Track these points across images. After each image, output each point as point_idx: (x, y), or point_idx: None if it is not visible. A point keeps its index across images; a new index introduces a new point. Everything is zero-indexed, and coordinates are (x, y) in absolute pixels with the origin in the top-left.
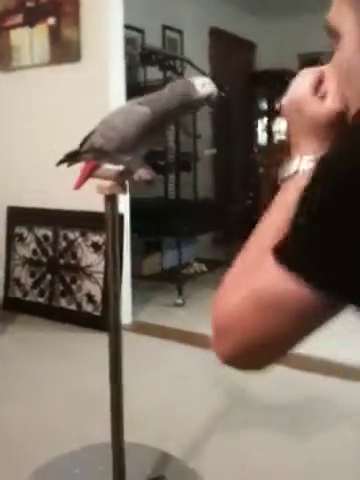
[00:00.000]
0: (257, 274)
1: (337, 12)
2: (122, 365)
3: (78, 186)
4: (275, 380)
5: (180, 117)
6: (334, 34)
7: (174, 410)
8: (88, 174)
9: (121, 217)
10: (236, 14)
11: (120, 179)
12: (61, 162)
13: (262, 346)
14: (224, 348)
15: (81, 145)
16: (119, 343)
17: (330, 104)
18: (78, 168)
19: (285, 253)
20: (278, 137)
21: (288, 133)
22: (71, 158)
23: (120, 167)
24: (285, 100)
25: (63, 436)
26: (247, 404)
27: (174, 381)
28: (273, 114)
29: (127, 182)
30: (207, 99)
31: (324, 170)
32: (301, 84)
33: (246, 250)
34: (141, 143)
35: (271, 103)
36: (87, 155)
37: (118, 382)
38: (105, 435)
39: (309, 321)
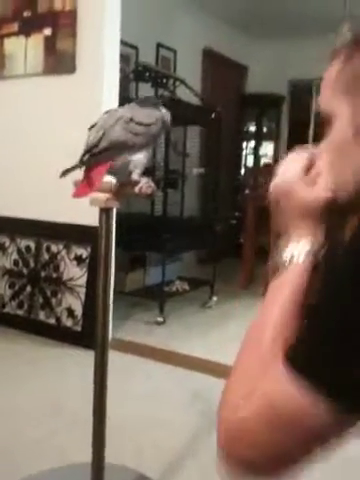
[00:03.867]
0: (266, 383)
1: (330, 97)
2: (107, 385)
3: (80, 194)
4: None
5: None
6: (326, 118)
7: (153, 429)
8: (102, 177)
9: None
10: (229, 36)
11: (118, 192)
12: (73, 168)
13: (273, 459)
14: (232, 460)
15: (89, 149)
16: (105, 362)
17: (321, 190)
18: (65, 179)
19: (296, 361)
20: (264, 160)
21: (276, 217)
22: (83, 162)
23: (115, 179)
24: (275, 184)
25: (40, 453)
26: None
27: (153, 400)
28: (261, 137)
29: (123, 195)
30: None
31: (330, 269)
32: (291, 167)
33: (246, 348)
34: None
35: (259, 126)
36: (107, 153)
37: (102, 403)
38: (83, 452)
39: (325, 434)
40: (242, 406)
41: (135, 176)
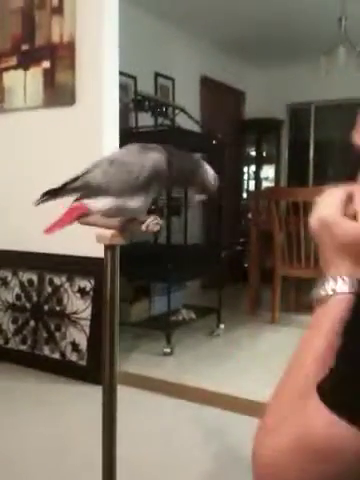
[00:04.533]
0: (301, 418)
1: None
2: (117, 425)
3: (51, 230)
4: None
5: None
6: None
7: (163, 469)
8: (73, 219)
9: None
10: (226, 63)
11: (124, 229)
12: (44, 195)
13: None
14: None
15: (69, 182)
16: (114, 402)
17: None
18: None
19: (333, 395)
20: (266, 184)
21: (319, 253)
22: (54, 194)
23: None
24: (313, 218)
25: None
26: (241, 465)
27: (165, 439)
28: (261, 161)
29: (129, 231)
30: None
31: None
32: (329, 203)
33: (283, 384)
34: (148, 190)
35: (259, 150)
36: (76, 192)
37: (112, 445)
38: None
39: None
40: (277, 439)
41: (141, 217)
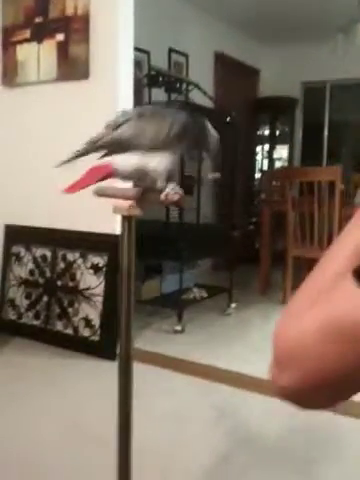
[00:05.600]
0: (333, 298)
1: None
2: (132, 404)
3: (72, 189)
4: (284, 418)
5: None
6: None
7: (179, 450)
8: (97, 180)
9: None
10: (241, 40)
11: (141, 199)
12: (69, 160)
13: (333, 381)
14: (287, 381)
15: (99, 138)
16: (130, 380)
17: None
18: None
19: None
20: (279, 163)
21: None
22: (84, 151)
23: (141, 186)
24: None
25: (58, 475)
26: (252, 443)
27: (177, 417)
28: (275, 140)
29: (146, 202)
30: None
31: None
32: None
33: (318, 270)
34: (175, 149)
35: (273, 129)
36: (104, 148)
37: (128, 426)
38: (105, 473)
39: None
40: (303, 319)
41: (160, 183)
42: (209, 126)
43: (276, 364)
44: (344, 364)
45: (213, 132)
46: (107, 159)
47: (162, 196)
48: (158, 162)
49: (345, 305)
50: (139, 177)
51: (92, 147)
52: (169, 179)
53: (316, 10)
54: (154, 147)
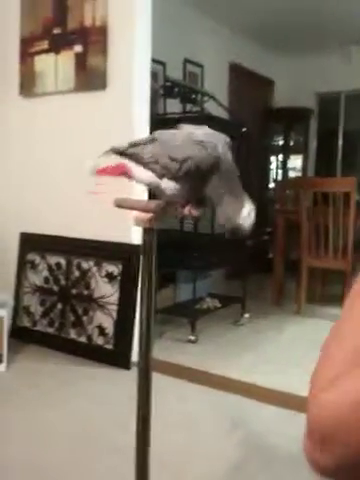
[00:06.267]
0: None
1: None
2: (151, 414)
3: (101, 172)
4: (295, 428)
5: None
6: None
7: (193, 460)
8: (118, 174)
9: (138, 249)
10: (255, 50)
11: (162, 212)
12: (109, 151)
13: None
14: (326, 458)
15: (130, 146)
16: (149, 393)
17: None
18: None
19: None
20: (293, 174)
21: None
22: (118, 151)
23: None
24: None
25: None
26: (263, 452)
27: (191, 427)
28: (289, 150)
29: (168, 215)
30: (235, 229)
31: None
32: None
33: (343, 326)
34: (188, 182)
35: (287, 139)
36: (128, 158)
37: (146, 432)
38: None
39: None
40: (341, 390)
41: (176, 201)
42: (245, 207)
43: (313, 439)
44: None
45: (248, 215)
46: (126, 161)
47: (185, 211)
48: (171, 188)
49: None
50: (155, 191)
51: (124, 153)
52: (188, 201)
53: (329, 21)
54: (163, 176)
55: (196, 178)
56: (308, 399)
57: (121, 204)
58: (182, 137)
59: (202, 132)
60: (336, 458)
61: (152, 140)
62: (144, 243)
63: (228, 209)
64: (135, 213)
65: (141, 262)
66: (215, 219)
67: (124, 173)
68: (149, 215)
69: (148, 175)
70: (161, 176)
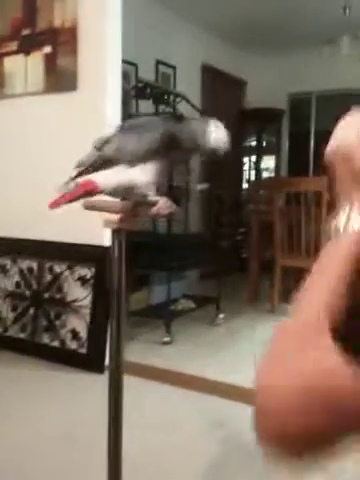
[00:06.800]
0: (311, 357)
1: None
2: (122, 414)
3: (56, 204)
4: None
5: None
6: None
7: (170, 461)
8: (80, 195)
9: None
10: (228, 52)
11: (132, 212)
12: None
13: (311, 439)
14: (266, 431)
15: (88, 159)
16: (120, 394)
17: None
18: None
19: (346, 338)
20: (266, 174)
21: (333, 185)
22: (79, 174)
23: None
24: (330, 147)
25: None
26: (241, 451)
27: (168, 428)
28: (261, 151)
29: (138, 216)
30: (214, 151)
31: None
32: (349, 131)
33: (294, 317)
34: (159, 161)
35: (260, 140)
36: (93, 167)
37: (118, 434)
38: None
39: None
40: (283, 374)
41: (151, 196)
42: (210, 128)
43: (260, 412)
44: (324, 424)
45: (215, 134)
46: (89, 176)
47: (154, 210)
48: (142, 175)
49: (322, 367)
50: (126, 192)
51: (82, 169)
52: (157, 190)
53: (302, 22)
54: (135, 160)
55: (166, 154)
56: (260, 370)
57: (90, 206)
58: (138, 119)
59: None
60: (279, 433)
61: (111, 136)
62: (113, 245)
63: (197, 132)
64: (104, 214)
65: (110, 265)
66: (188, 219)
67: (91, 190)
68: (118, 216)
69: (116, 175)
70: (132, 161)
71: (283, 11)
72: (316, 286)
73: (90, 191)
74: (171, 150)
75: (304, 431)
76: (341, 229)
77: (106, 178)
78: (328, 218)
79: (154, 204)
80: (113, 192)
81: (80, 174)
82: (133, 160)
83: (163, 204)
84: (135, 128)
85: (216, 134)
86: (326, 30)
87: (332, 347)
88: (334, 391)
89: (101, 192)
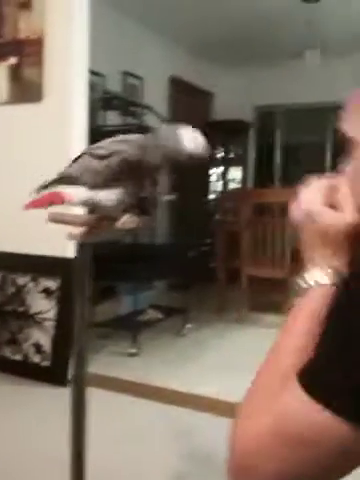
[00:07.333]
0: (280, 402)
1: (355, 122)
2: (85, 427)
3: (30, 206)
4: None
5: (162, 169)
6: (350, 143)
7: (130, 470)
8: (48, 203)
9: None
10: (195, 64)
11: (96, 226)
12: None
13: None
14: (234, 472)
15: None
16: (83, 406)
17: (345, 216)
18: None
19: (312, 381)
20: (233, 185)
21: (301, 244)
22: (44, 186)
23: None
24: (296, 209)
25: None
26: (209, 464)
27: (133, 440)
28: (228, 162)
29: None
30: (191, 156)
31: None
32: (313, 195)
33: (263, 372)
34: (123, 183)
35: (227, 152)
36: (59, 183)
37: (80, 447)
38: None
39: (344, 455)
40: (255, 424)
41: (113, 214)
42: (181, 131)
43: (233, 470)
44: (296, 467)
45: (188, 137)
46: (59, 189)
47: (118, 224)
48: (108, 197)
49: (290, 411)
50: (92, 207)
51: (51, 184)
52: (126, 209)
53: (269, 36)
54: (97, 183)
55: (127, 172)
56: (232, 428)
57: (55, 219)
58: (105, 141)
59: (122, 136)
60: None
61: (78, 156)
62: (77, 258)
63: (169, 139)
64: (69, 228)
65: (75, 279)
66: (156, 230)
67: (59, 200)
68: (82, 229)
69: (83, 193)
70: (93, 186)
71: (249, 26)
72: (290, 337)
73: (58, 202)
74: (136, 171)
75: (283, 475)
76: (308, 286)
77: (73, 194)
78: (298, 276)
79: (118, 218)
80: (82, 205)
81: (48, 185)
82: (95, 186)
83: (127, 219)
84: (99, 152)
85: (189, 137)
86: (291, 44)
87: (296, 393)
88: (301, 431)
89: (68, 204)
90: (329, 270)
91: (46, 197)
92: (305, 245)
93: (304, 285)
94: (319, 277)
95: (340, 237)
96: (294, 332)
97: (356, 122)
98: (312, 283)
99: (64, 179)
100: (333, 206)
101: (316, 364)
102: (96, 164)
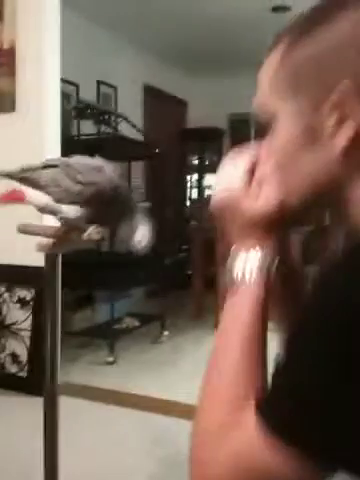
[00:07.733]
0: (237, 435)
1: (270, 95)
2: (59, 436)
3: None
4: None
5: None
6: (265, 117)
7: (105, 478)
8: (7, 200)
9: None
10: (169, 72)
11: (64, 237)
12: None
13: None
14: None
15: (24, 169)
16: (55, 414)
17: (267, 200)
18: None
19: (269, 416)
20: (208, 192)
21: (222, 231)
22: (9, 175)
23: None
24: (216, 194)
25: None
26: (183, 467)
27: (109, 448)
28: (203, 170)
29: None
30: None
31: (315, 324)
32: (232, 173)
33: (209, 382)
34: (88, 207)
35: (202, 159)
36: (24, 182)
37: (54, 455)
38: None
39: None
40: (214, 452)
41: (81, 223)
42: (142, 220)
43: None
44: None
45: (143, 229)
46: (24, 188)
47: (84, 236)
48: (68, 209)
49: (247, 444)
50: (54, 214)
51: (17, 177)
52: (91, 221)
53: (239, 45)
54: (61, 200)
55: (95, 204)
56: (194, 446)
57: (24, 230)
58: (85, 164)
59: (98, 161)
60: None
61: (52, 166)
62: (47, 268)
63: (122, 233)
64: (38, 239)
65: (45, 290)
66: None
67: (18, 199)
68: (51, 240)
69: (45, 198)
70: (58, 200)
71: (221, 34)
72: (228, 341)
73: (18, 200)
74: (108, 205)
75: None
76: (238, 279)
77: (35, 197)
78: (227, 266)
79: (85, 230)
80: (40, 210)
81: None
82: (59, 201)
83: (93, 230)
84: (77, 176)
85: (142, 237)
86: (262, 53)
87: (256, 427)
88: (258, 466)
89: (28, 204)
90: (254, 259)
91: (11, 194)
92: (227, 231)
93: (232, 278)
94: (246, 268)
95: (261, 223)
96: (232, 342)
97: (269, 94)
98: (240, 275)
99: (29, 180)
100: (255, 187)
101: (272, 397)
102: (68, 184)
